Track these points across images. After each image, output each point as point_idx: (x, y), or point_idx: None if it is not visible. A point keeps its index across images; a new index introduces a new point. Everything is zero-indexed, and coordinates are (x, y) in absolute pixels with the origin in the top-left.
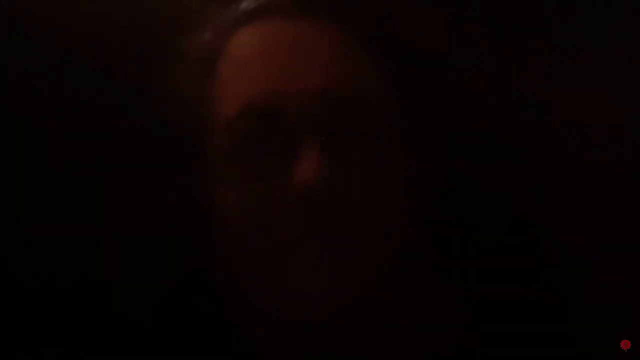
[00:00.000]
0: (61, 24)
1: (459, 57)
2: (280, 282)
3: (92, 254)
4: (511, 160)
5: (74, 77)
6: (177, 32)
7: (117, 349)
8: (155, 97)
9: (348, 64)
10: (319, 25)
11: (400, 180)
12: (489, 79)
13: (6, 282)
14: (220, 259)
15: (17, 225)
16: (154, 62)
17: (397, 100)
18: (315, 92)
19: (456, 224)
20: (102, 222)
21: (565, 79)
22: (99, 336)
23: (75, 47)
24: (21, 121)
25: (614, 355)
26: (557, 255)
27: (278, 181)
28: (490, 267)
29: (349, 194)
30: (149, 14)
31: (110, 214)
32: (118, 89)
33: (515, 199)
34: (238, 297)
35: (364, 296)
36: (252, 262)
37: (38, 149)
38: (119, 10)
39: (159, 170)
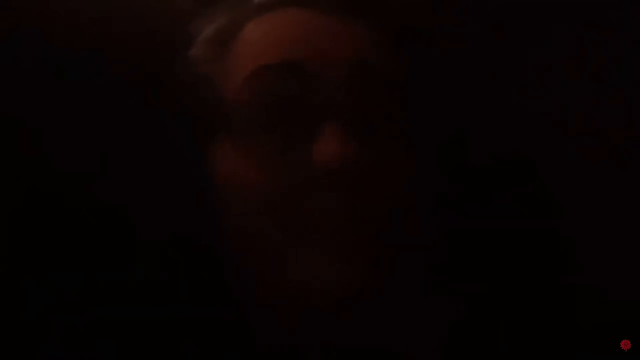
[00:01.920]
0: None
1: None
2: (299, 265)
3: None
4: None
5: (84, 64)
6: (189, 19)
7: (123, 345)
8: (167, 80)
9: (364, 53)
10: (333, 18)
11: (412, 165)
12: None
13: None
14: (235, 243)
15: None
16: (164, 47)
17: (410, 87)
18: (339, 65)
19: (471, 218)
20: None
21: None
22: (104, 332)
23: (86, 36)
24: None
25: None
26: (565, 253)
27: (300, 157)
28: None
29: (372, 172)
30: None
31: (128, 200)
32: (132, 73)
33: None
34: (250, 287)
35: (380, 283)
36: (269, 245)
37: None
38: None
39: (178, 150)
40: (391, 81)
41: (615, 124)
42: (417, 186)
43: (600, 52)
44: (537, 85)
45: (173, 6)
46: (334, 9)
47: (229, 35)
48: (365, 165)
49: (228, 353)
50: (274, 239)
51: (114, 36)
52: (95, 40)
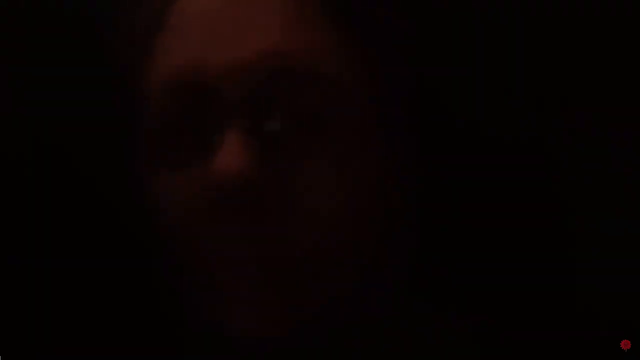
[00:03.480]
0: None
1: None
2: (207, 305)
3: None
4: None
5: None
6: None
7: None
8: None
9: (299, 33)
10: (257, 5)
11: (361, 179)
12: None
13: None
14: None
15: None
16: (86, 36)
17: (363, 82)
18: (251, 62)
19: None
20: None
21: None
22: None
23: None
24: None
25: None
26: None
27: (200, 170)
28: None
29: (282, 190)
30: None
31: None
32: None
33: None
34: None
35: (312, 331)
36: (176, 269)
37: None
38: None
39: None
40: (318, 79)
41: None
42: (349, 209)
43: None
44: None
45: None
46: None
47: (158, 21)
48: (271, 184)
49: None
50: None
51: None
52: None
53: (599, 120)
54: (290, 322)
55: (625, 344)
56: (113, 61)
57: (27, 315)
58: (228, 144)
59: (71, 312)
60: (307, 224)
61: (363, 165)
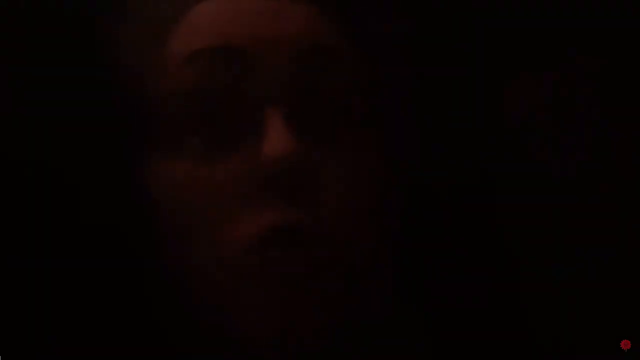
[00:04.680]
0: None
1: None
2: (240, 306)
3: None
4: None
5: None
6: None
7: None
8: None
9: (315, 32)
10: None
11: (379, 163)
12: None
13: None
14: (162, 263)
15: None
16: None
17: (373, 73)
18: (282, 42)
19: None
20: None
21: None
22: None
23: None
24: None
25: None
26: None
27: (234, 158)
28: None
29: (324, 175)
30: None
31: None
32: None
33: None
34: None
35: (351, 322)
36: (198, 269)
37: None
38: None
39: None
40: (349, 66)
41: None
42: (386, 190)
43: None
44: None
45: None
46: None
47: (172, 14)
48: (319, 165)
49: None
50: (211, 271)
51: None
52: None
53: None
54: (318, 328)
55: (625, 344)
56: (114, 61)
57: (26, 315)
58: (273, 129)
59: (71, 311)
60: (337, 211)
61: (373, 157)
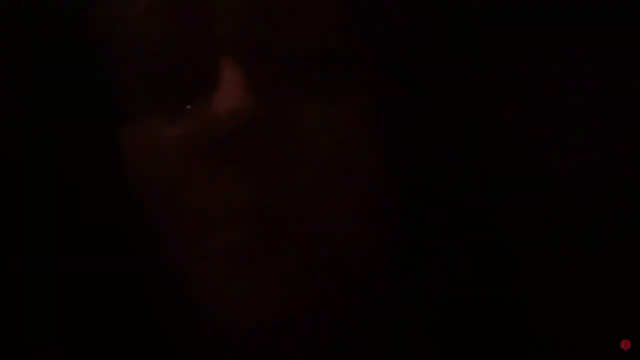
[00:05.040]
0: None
1: None
2: (213, 282)
3: None
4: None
5: None
6: None
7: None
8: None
9: None
10: None
11: (371, 137)
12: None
13: None
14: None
15: None
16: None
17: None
18: None
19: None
20: None
21: None
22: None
23: None
24: None
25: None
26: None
27: (187, 118)
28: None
29: (296, 143)
30: None
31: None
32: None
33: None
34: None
35: (313, 302)
36: (164, 242)
37: None
38: None
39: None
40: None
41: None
42: (380, 172)
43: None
44: None
45: None
46: None
47: None
48: (289, 129)
49: None
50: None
51: None
52: None
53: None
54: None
55: (625, 344)
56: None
57: (26, 315)
58: (228, 81)
59: (70, 311)
60: (306, 174)
61: (363, 127)
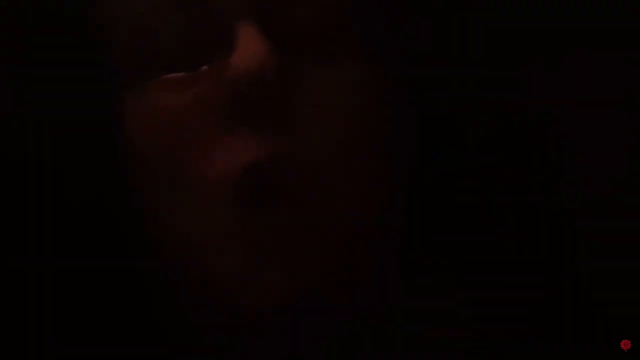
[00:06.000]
0: None
1: None
2: (224, 262)
3: None
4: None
5: None
6: None
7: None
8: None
9: None
10: None
11: (387, 92)
12: None
13: None
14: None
15: None
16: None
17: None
18: None
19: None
20: None
21: None
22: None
23: None
24: None
25: None
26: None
27: (201, 81)
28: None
29: (314, 100)
30: None
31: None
32: None
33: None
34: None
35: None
36: (177, 233)
37: None
38: None
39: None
40: None
41: None
42: (397, 127)
43: None
44: None
45: None
46: None
47: None
48: (306, 86)
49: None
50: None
51: None
52: None
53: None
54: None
55: (625, 344)
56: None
57: (25, 315)
58: (244, 40)
59: (70, 311)
60: (322, 136)
61: (379, 83)
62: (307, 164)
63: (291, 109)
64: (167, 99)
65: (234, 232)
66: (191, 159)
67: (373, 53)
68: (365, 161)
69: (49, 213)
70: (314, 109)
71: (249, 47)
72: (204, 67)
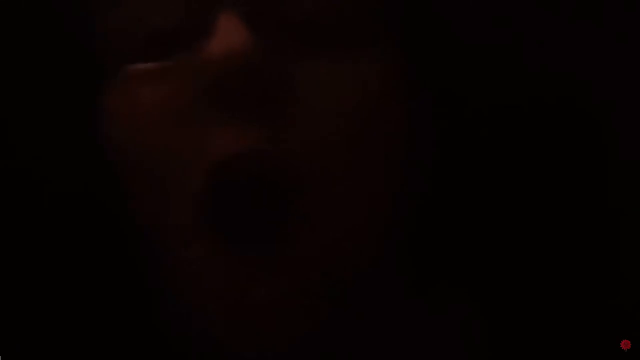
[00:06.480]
0: None
1: None
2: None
3: None
4: None
5: None
6: None
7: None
8: None
9: None
10: None
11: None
12: None
13: None
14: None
15: None
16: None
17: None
18: None
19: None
20: None
21: None
22: None
23: None
24: None
25: None
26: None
27: (180, 69)
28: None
29: (304, 92)
30: None
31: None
32: None
33: None
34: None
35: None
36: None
37: None
38: None
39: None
40: None
41: None
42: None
43: None
44: None
45: None
46: None
47: None
48: (295, 77)
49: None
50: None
51: None
52: None
53: None
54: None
55: (625, 344)
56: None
57: (25, 315)
58: (225, 25)
59: (69, 311)
60: (311, 128)
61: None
62: (296, 160)
63: (277, 101)
64: (145, 90)
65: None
66: (169, 150)
67: (377, 45)
68: (362, 162)
69: (27, 209)
70: (305, 102)
71: (228, 36)
72: (182, 57)
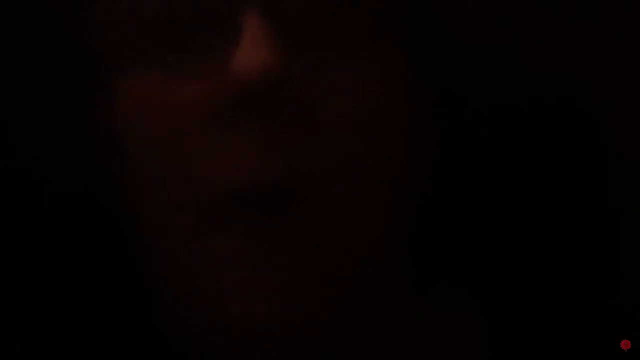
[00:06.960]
0: None
1: None
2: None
3: None
4: None
5: None
6: None
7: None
8: None
9: None
10: None
11: (400, 92)
12: None
13: None
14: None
15: None
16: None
17: None
18: None
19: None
20: None
21: None
22: None
23: None
24: None
25: None
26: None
27: (204, 73)
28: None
29: (309, 92)
30: None
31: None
32: None
33: None
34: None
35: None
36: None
37: None
38: None
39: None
40: None
41: None
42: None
43: None
44: None
45: None
46: None
47: None
48: (306, 82)
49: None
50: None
51: None
52: None
53: None
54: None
55: (625, 344)
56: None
57: (25, 315)
58: (251, 37)
59: (70, 311)
60: (311, 128)
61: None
62: (315, 174)
63: (299, 113)
64: (163, 88)
65: (226, 245)
66: (182, 158)
67: (377, 45)
68: (362, 162)
69: (27, 209)
70: (327, 114)
71: (253, 44)
72: (207, 62)
